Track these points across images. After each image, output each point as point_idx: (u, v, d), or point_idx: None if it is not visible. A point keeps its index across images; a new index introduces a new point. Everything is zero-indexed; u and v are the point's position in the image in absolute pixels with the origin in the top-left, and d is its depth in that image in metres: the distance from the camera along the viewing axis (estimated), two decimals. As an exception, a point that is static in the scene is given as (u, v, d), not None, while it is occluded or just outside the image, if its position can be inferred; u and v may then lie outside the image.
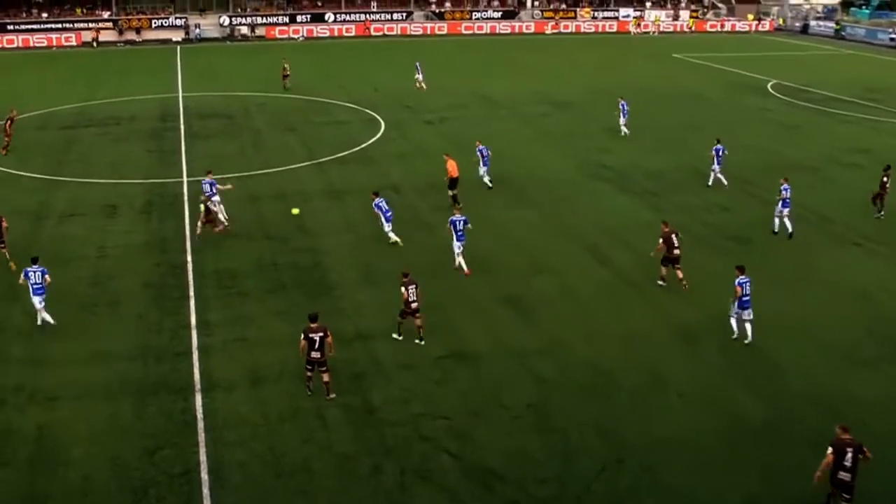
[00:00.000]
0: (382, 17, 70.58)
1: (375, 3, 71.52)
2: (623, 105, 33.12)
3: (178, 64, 52.22)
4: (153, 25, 66.23)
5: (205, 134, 33.03)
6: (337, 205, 24.49)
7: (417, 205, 24.44)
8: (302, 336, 14.14)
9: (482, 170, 25.72)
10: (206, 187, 21.90)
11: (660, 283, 18.65)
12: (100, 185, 26.26)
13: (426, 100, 40.62)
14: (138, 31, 65.72)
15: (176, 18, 67.11)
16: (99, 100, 40.30)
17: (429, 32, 69.95)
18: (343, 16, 69.99)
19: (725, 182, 25.77)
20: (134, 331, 16.66)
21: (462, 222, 19.41)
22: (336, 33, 68.52)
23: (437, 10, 72.05)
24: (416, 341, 16.09)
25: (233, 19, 67.96)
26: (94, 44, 62.04)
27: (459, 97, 41.38)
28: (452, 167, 23.55)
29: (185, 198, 25.00)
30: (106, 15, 66.49)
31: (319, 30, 68.29)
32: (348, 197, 25.19)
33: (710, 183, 25.95)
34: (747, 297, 15.92)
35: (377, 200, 20.98)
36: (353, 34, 68.50)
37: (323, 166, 28.58)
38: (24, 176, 27.04)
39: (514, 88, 42.32)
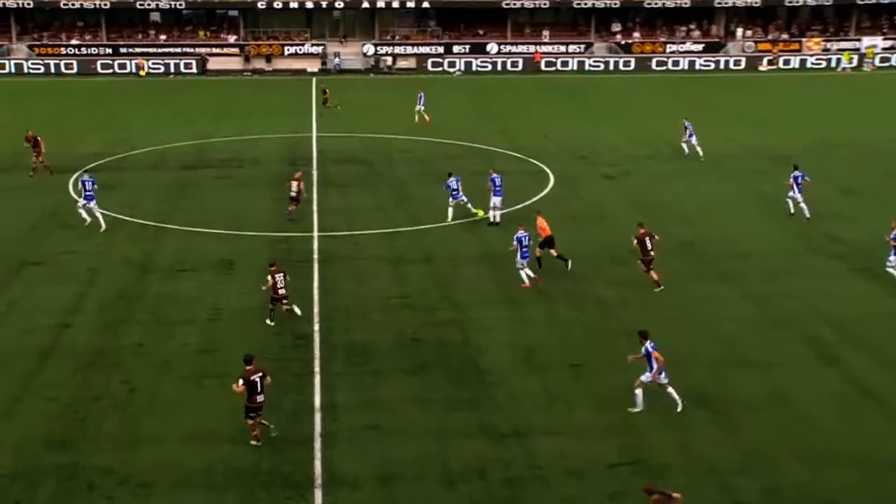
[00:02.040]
0: (556, 50, 72.45)
1: (548, 33, 73.72)
2: (688, 125, 39.07)
3: (313, 99, 55.71)
4: (285, 53, 71.76)
5: (340, 182, 34.88)
6: (493, 272, 24.94)
7: (590, 276, 24.55)
8: (240, 381, 16.08)
9: (494, 201, 29.04)
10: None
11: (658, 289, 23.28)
12: (216, 237, 28.23)
13: (605, 150, 40.91)
14: (268, 58, 71.45)
15: (312, 46, 72.33)
16: (220, 137, 43.83)
17: (611, 68, 70.91)
18: (508, 47, 72.54)
19: (808, 214, 29.14)
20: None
21: (528, 238, 23.77)
22: (499, 67, 71.02)
23: (622, 42, 73.09)
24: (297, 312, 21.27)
25: (378, 48, 72.27)
26: (199, 69, 68.02)
27: (647, 146, 41.40)
28: (543, 225, 25.12)
29: (316, 256, 26.29)
30: (232, 39, 73.03)
31: (480, 63, 71.08)
32: (507, 263, 25.53)
33: (792, 211, 29.65)
34: None
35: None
36: (519, 69, 70.69)
37: (478, 225, 29.33)
38: (131, 221, 29.62)
39: (718, 138, 41.72)
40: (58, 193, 32.92)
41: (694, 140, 38.72)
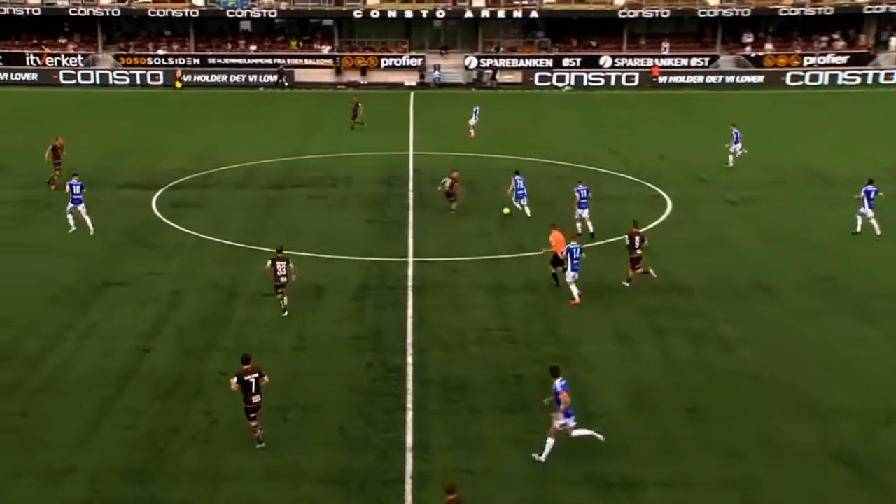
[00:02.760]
0: (676, 63, 71.88)
1: (668, 45, 73.19)
2: (736, 132, 41.54)
3: (411, 114, 56.80)
4: (382, 65, 73.27)
5: (439, 204, 35.35)
6: (602, 305, 24.92)
7: (710, 312, 24.27)
8: (234, 379, 17.62)
9: (580, 212, 31.03)
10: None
11: (624, 283, 25.81)
12: (305, 260, 28.69)
13: (728, 172, 40.29)
14: (363, 71, 73.05)
15: (411, 58, 73.64)
16: (312, 154, 44.98)
17: (738, 81, 69.83)
18: (623, 60, 72.33)
19: (878, 230, 30.35)
20: (332, 447, 17.82)
21: (578, 250, 25.30)
22: (613, 82, 70.88)
23: (752, 54, 71.90)
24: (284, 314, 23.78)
25: (481, 61, 73.06)
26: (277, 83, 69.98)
27: (776, 170, 40.66)
28: (558, 241, 26.03)
29: (410, 283, 26.73)
30: (325, 50, 74.97)
31: (592, 77, 71.07)
32: (616, 296, 25.49)
33: (858, 229, 30.85)
34: None
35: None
36: (635, 84, 70.38)
37: (586, 254, 29.13)
38: (217, 243, 30.64)
39: (861, 162, 40.57)
40: (142, 210, 34.33)
41: (738, 148, 41.22)
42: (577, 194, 31.23)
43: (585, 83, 70.65)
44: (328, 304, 25.15)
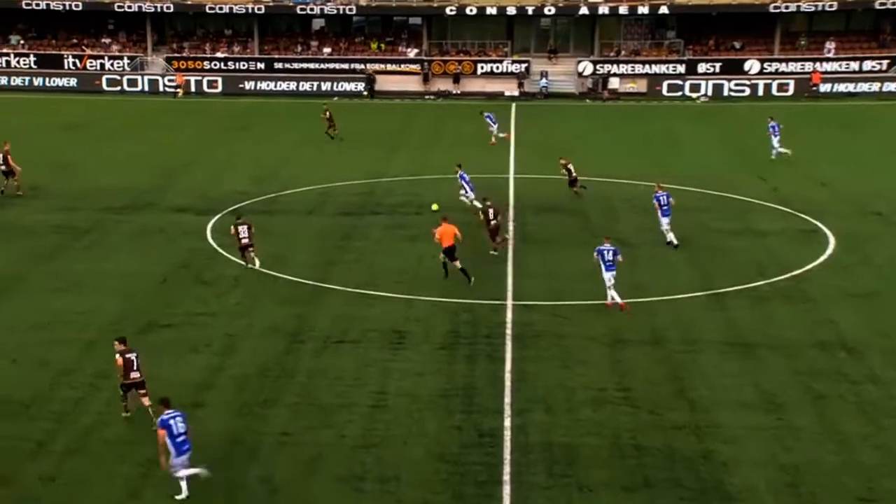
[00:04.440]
0: (843, 67, 70.68)
1: (833, 45, 72.03)
2: (774, 125, 47.48)
3: (512, 130, 56.99)
4: (478, 71, 74.06)
5: (543, 237, 35.45)
6: (745, 365, 24.55)
7: (889, 379, 23.65)
8: (118, 357, 21.19)
9: (663, 221, 34.06)
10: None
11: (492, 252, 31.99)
12: (384, 301, 29.16)
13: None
14: (456, 78, 73.91)
15: (512, 63, 74.23)
16: (392, 176, 45.58)
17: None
18: (775, 64, 71.57)
19: None
20: (414, 524, 17.91)
21: (611, 252, 27.98)
22: (760, 91, 70.29)
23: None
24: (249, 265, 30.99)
25: (597, 67, 73.16)
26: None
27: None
28: (444, 233, 30.41)
29: (509, 331, 26.75)
30: (412, 53, 76.10)
31: (734, 86, 70.55)
32: (765, 352, 25.11)
33: None
34: None
35: None
36: (789, 93, 69.62)
37: (724, 301, 29.02)
38: (281, 278, 31.16)
39: None
40: (193, 239, 35.21)
41: (776, 142, 46.69)
42: (656, 201, 33.84)
43: (726, 93, 70.21)
44: (411, 353, 25.31)
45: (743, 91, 70.23)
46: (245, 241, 31.58)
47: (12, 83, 76.33)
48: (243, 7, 75.48)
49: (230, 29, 79.55)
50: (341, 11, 75.53)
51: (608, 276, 28.08)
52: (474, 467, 19.67)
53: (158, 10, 76.36)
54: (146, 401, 21.42)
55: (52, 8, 76.84)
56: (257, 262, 31.54)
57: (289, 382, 23.59)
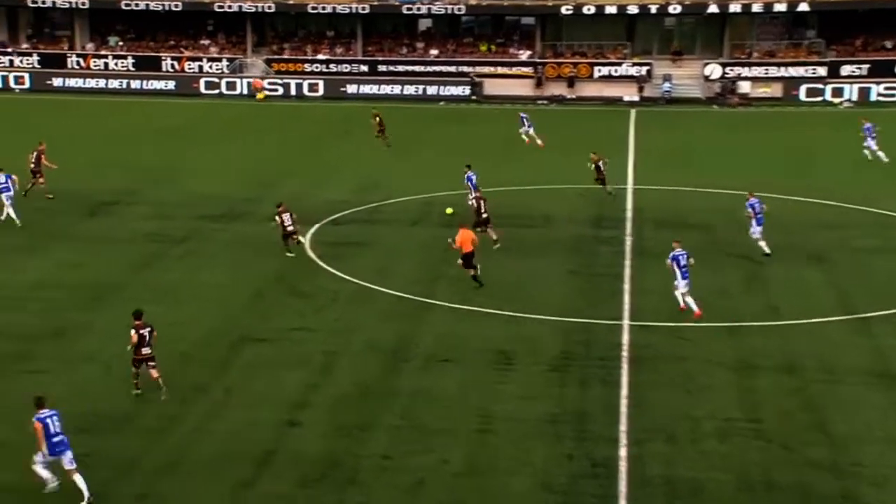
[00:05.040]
0: None
1: None
2: (868, 126, 49.56)
3: (631, 138, 57.07)
4: (595, 75, 73.83)
5: (663, 252, 34.71)
6: (893, 397, 24.00)
7: None
8: (133, 332, 23.46)
9: (755, 230, 34.65)
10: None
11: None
12: (491, 318, 29.19)
13: None
14: (570, 82, 73.68)
15: (632, 66, 73.72)
16: (502, 185, 45.38)
17: None
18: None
19: None
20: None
21: (685, 257, 28.97)
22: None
23: None
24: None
25: (726, 69, 72.18)
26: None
27: None
28: (463, 239, 31.47)
29: (625, 353, 26.54)
30: (524, 55, 76.07)
31: (884, 89, 68.94)
32: (911, 383, 24.44)
33: None
34: None
35: None
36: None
37: (868, 326, 28.46)
38: (383, 293, 31.36)
39: None
40: (292, 250, 35.63)
41: (871, 144, 48.86)
42: (750, 209, 34.61)
43: (874, 97, 68.59)
44: (518, 375, 25.22)
45: (894, 95, 68.42)
46: (290, 228, 34.37)
47: (109, 86, 78.34)
48: (347, 7, 76.30)
49: (333, 30, 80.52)
50: (449, 11, 75.88)
51: (683, 284, 28.94)
52: (586, 500, 19.48)
53: (259, 9, 77.63)
54: (154, 373, 23.64)
55: (151, 8, 78.75)
56: (303, 240, 35.34)
57: (389, 403, 23.66)
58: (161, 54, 79.59)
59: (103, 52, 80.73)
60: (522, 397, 23.90)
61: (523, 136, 55.45)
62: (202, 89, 76.84)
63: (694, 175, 46.20)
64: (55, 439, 19.36)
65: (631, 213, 40.73)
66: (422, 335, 27.96)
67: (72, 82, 78.76)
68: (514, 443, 21.72)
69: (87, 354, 26.44)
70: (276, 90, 75.90)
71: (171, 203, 42.29)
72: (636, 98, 71.76)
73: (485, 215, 35.55)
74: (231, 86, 76.51)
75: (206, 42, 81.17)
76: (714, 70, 72.16)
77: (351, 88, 75.21)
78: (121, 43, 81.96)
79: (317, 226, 38.42)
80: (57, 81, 78.73)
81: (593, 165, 42.93)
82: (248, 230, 38.13)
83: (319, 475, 20.41)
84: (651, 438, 21.79)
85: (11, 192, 39.39)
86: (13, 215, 39.07)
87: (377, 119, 56.32)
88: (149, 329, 23.82)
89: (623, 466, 20.60)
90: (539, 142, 54.59)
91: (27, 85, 78.80)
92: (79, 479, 19.19)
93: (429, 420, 22.74)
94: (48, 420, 19.37)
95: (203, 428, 22.43)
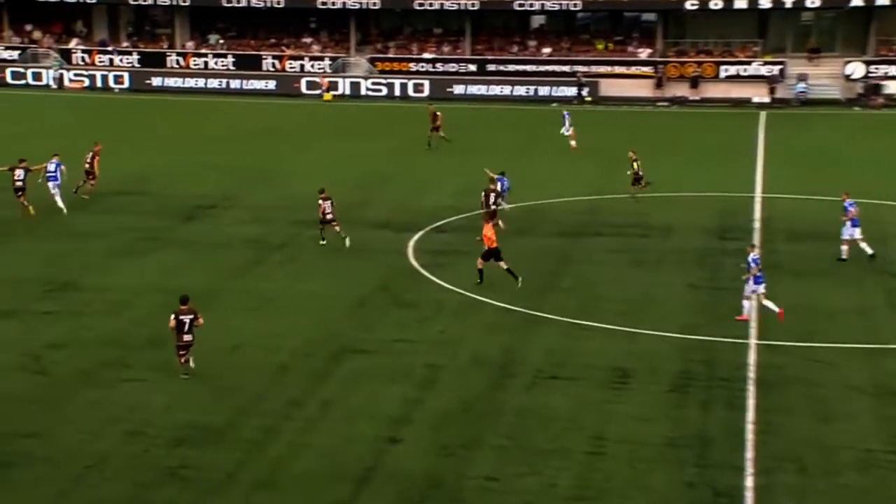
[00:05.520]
0: None
1: None
2: None
3: (760, 142, 56.25)
4: (721, 75, 73.01)
5: (795, 267, 34.80)
6: None
7: None
8: (172, 317, 25.15)
9: (852, 232, 35.05)
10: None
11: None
12: (605, 333, 28.97)
13: None
14: (694, 82, 72.82)
15: (763, 64, 72.61)
16: (617, 193, 45.19)
17: None
18: None
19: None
20: None
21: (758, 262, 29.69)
22: None
23: None
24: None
25: (871, 69, 70.87)
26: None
27: None
28: (488, 234, 32.70)
29: (751, 374, 26.12)
30: (644, 54, 75.34)
31: None
32: None
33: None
34: None
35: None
36: None
37: None
38: (489, 304, 31.30)
39: None
40: (395, 258, 35.76)
41: None
42: (845, 211, 35.12)
43: None
44: (634, 394, 24.98)
45: None
46: (329, 216, 36.61)
47: (209, 85, 79.64)
48: (455, 3, 76.45)
49: (440, 27, 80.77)
50: (564, 7, 75.53)
51: (760, 288, 29.38)
52: (710, 535, 19.20)
53: (364, 6, 78.11)
54: (182, 360, 25.54)
55: (252, 5, 79.79)
56: (348, 241, 36.52)
57: (495, 421, 23.53)
58: (262, 53, 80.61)
59: (203, 51, 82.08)
60: (638, 418, 23.60)
61: (566, 133, 55.90)
62: (303, 89, 77.62)
63: (830, 182, 45.09)
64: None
65: (759, 223, 40.11)
66: (530, 350, 27.82)
67: (171, 82, 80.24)
68: (629, 467, 21.43)
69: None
70: (379, 90, 76.37)
71: (269, 207, 42.71)
72: (767, 99, 70.57)
73: (493, 206, 37.76)
74: (333, 86, 77.13)
75: (309, 40, 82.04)
76: (857, 69, 70.60)
77: (458, 89, 75.27)
78: (221, 41, 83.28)
79: (420, 233, 38.54)
80: (156, 81, 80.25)
81: (631, 164, 43.43)
82: (351, 236, 38.27)
83: (421, 496, 20.37)
84: (780, 468, 21.31)
85: (59, 182, 41.32)
86: (60, 204, 41.02)
87: (435, 115, 56.66)
88: (191, 316, 25.34)
89: (749, 497, 20.21)
90: (572, 143, 54.89)
91: (126, 84, 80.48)
92: None
93: (536, 440, 22.55)
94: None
95: (300, 442, 22.54)
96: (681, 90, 72.78)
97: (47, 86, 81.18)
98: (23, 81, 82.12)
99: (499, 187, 40.05)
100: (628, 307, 30.89)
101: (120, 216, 40.81)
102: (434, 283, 33.15)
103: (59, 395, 24.81)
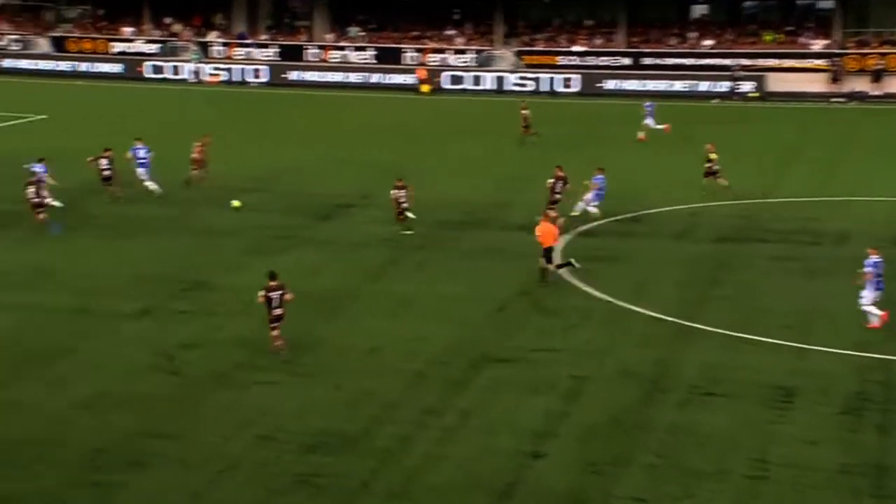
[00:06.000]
0: None
1: None
2: None
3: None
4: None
5: None
6: None
7: None
8: (262, 292, 27.04)
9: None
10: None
11: None
12: (767, 348, 28.40)
13: None
14: (876, 75, 70.99)
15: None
16: (785, 196, 44.57)
17: None
18: None
19: None
20: None
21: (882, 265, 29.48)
22: None
23: None
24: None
25: None
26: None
27: None
28: (545, 232, 33.02)
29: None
30: (817, 46, 73.45)
31: None
32: None
33: None
34: None
35: None
36: None
37: None
38: (640, 314, 30.98)
39: None
40: (536, 262, 35.43)
41: None
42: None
43: None
44: (801, 415, 24.37)
45: None
46: (404, 204, 38.51)
47: (348, 80, 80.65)
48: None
49: (592, 18, 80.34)
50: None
51: (877, 296, 29.37)
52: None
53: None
54: (276, 333, 27.24)
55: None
56: (409, 231, 38.45)
57: (645, 438, 23.23)
58: (402, 46, 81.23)
59: (342, 44, 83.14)
60: (806, 441, 23.01)
61: (653, 127, 57.22)
62: (444, 84, 77.93)
63: None
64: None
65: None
66: (684, 363, 27.44)
67: (309, 76, 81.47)
68: (796, 493, 20.93)
69: (318, 368, 27.09)
70: (524, 85, 76.21)
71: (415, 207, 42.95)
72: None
73: (558, 195, 39.44)
74: (477, 80, 77.31)
75: (452, 33, 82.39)
76: None
77: (609, 84, 74.74)
78: (362, 33, 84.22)
79: (567, 237, 38.23)
80: (293, 75, 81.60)
81: (709, 155, 44.39)
82: (490, 239, 38.30)
83: (565, 513, 20.20)
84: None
85: (149, 167, 43.80)
86: (153, 187, 43.45)
87: (525, 113, 56.90)
88: (280, 292, 27.14)
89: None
90: (661, 127, 56.72)
91: (264, 78, 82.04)
92: None
93: (691, 460, 22.17)
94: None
95: (437, 453, 22.53)
96: (860, 85, 70.94)
97: (185, 80, 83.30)
98: (161, 75, 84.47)
99: (593, 188, 40.67)
100: (795, 320, 30.27)
101: (254, 214, 41.48)
102: (580, 290, 32.88)
103: (192, 395, 25.35)
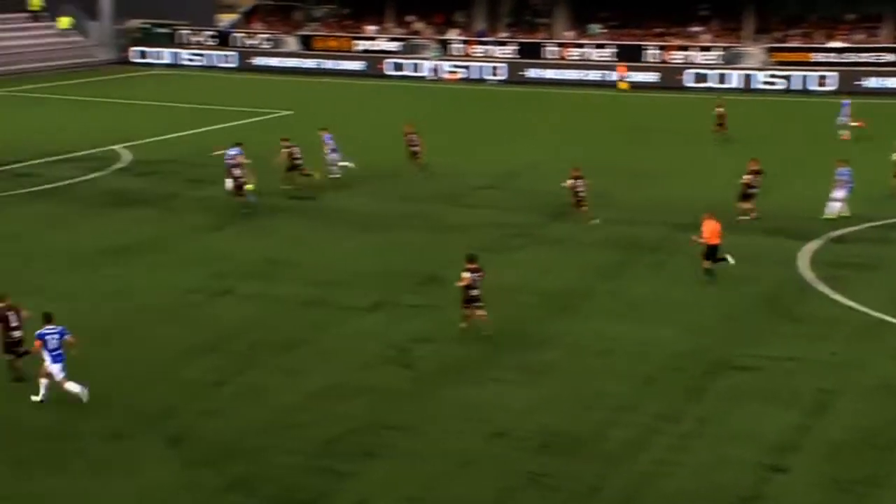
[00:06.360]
0: None
1: None
2: None
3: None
4: None
5: None
6: None
7: None
8: (467, 274, 28.47)
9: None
10: None
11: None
12: None
13: None
14: None
15: None
16: None
17: None
18: None
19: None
20: None
21: None
22: None
23: None
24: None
25: None
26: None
27: None
28: (711, 231, 33.12)
29: None
30: None
31: None
32: None
33: None
34: None
35: None
36: None
37: None
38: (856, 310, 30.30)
39: None
40: (780, 268, 34.99)
41: None
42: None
43: None
44: None
45: None
46: (582, 194, 40.10)
47: (588, 77, 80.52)
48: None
49: (854, 13, 77.86)
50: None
51: None
52: None
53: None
54: (480, 312, 28.71)
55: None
56: (596, 221, 39.66)
57: (896, 458, 22.54)
58: (644, 43, 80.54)
59: (582, 41, 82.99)
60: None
61: (849, 123, 56.32)
62: (686, 82, 76.95)
63: None
64: (54, 353, 24.39)
65: None
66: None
67: (547, 73, 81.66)
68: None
69: (550, 365, 27.21)
70: (773, 83, 74.51)
71: (643, 208, 42.52)
72: None
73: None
74: (723, 78, 76.01)
75: (697, 29, 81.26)
76: None
77: (870, 82, 72.19)
78: (603, 30, 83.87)
79: (816, 242, 37.33)
80: (531, 73, 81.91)
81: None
82: (731, 242, 37.51)
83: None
84: None
85: (340, 154, 46.94)
86: (347, 164, 47.01)
87: (720, 111, 56.62)
88: (480, 274, 28.77)
89: None
90: (845, 133, 56.26)
91: (502, 76, 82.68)
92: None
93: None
94: (47, 336, 24.45)
95: (671, 460, 22.30)
96: None
97: (423, 77, 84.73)
98: (401, 73, 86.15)
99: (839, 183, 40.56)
100: None
101: (485, 210, 41.97)
102: (829, 299, 32.06)
103: (424, 389, 25.84)
